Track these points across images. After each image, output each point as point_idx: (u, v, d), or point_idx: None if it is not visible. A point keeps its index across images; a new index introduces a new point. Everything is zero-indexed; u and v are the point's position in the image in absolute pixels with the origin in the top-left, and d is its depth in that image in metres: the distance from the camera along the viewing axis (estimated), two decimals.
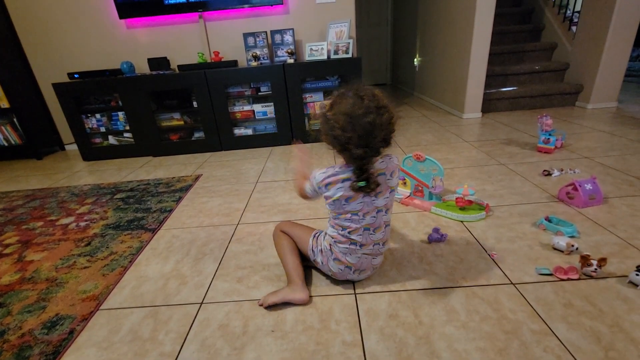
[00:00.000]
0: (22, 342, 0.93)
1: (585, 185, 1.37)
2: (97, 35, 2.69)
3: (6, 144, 2.76)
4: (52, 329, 0.97)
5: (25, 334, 0.96)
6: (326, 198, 0.94)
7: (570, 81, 3.16)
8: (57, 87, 2.46)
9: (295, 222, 1.16)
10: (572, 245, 1.08)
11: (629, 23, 2.65)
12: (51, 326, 0.98)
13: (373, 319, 0.90)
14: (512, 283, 0.99)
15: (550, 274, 1.00)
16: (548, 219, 1.25)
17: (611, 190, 1.48)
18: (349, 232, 0.95)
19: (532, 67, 3.23)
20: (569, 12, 3.37)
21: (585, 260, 0.98)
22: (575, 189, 1.38)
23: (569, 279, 0.98)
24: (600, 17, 2.75)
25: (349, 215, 0.93)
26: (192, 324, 0.94)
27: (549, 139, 1.98)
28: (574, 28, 3.16)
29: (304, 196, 1.02)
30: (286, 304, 0.97)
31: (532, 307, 0.89)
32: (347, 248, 0.96)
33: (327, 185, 0.91)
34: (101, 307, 1.04)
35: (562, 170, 1.72)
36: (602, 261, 0.97)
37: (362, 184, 0.85)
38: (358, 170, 0.86)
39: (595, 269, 0.96)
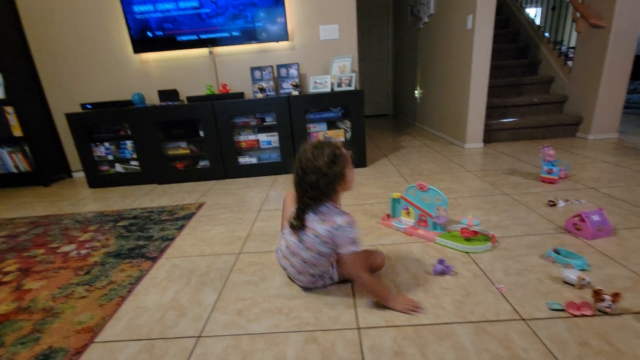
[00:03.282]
0: None
1: (593, 216, 1.35)
2: (112, 68, 2.81)
3: (16, 171, 2.80)
4: None
5: None
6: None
7: (570, 112, 3.21)
8: (69, 117, 2.54)
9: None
10: (583, 279, 1.05)
11: (623, 58, 2.73)
12: (43, 359, 0.94)
13: (378, 357, 0.86)
14: (522, 319, 0.95)
15: (563, 310, 0.96)
16: (557, 251, 1.22)
17: (620, 222, 1.46)
18: None
19: (531, 99, 3.30)
20: (563, 47, 3.49)
21: (597, 295, 0.95)
22: (583, 220, 1.35)
23: (582, 315, 0.94)
24: (595, 52, 2.84)
25: None
26: (189, 359, 0.90)
27: (552, 169, 1.98)
28: (569, 63, 3.25)
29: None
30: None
31: (546, 345, 0.85)
32: None
33: None
34: (96, 340, 1.00)
35: (567, 200, 1.70)
36: (615, 296, 0.93)
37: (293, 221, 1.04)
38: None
39: (610, 305, 0.93)
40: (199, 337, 0.98)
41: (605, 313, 0.94)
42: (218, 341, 0.95)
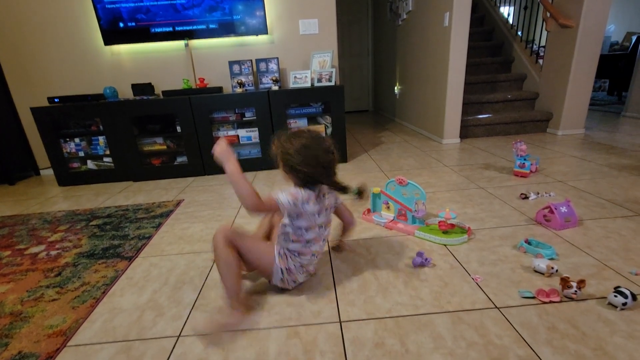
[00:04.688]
0: None
1: (561, 208, 1.42)
2: (81, 61, 2.69)
3: None
4: None
5: None
6: (298, 216, 1.03)
7: (541, 109, 3.35)
8: (35, 111, 2.41)
9: (244, 232, 1.05)
10: (552, 268, 1.10)
11: (590, 57, 2.87)
12: None
13: (359, 349, 0.87)
14: (496, 307, 0.99)
15: (533, 297, 1.01)
16: (528, 242, 1.28)
17: (585, 213, 1.54)
18: (310, 244, 1.07)
19: (505, 96, 3.42)
20: (535, 46, 3.63)
21: (565, 282, 1.00)
22: (552, 211, 1.42)
23: (551, 302, 0.99)
24: (563, 51, 2.97)
25: (317, 229, 1.06)
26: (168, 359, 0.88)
27: (524, 163, 2.06)
28: (540, 61, 3.39)
29: (262, 206, 0.97)
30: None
31: (517, 331, 0.89)
32: (309, 259, 1.09)
33: (308, 201, 1.02)
34: (69, 344, 0.96)
35: (538, 193, 1.78)
36: (581, 283, 0.98)
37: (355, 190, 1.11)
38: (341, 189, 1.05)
39: (575, 291, 0.98)
40: (178, 336, 0.96)
41: (572, 299, 0.99)
42: (198, 340, 0.94)
